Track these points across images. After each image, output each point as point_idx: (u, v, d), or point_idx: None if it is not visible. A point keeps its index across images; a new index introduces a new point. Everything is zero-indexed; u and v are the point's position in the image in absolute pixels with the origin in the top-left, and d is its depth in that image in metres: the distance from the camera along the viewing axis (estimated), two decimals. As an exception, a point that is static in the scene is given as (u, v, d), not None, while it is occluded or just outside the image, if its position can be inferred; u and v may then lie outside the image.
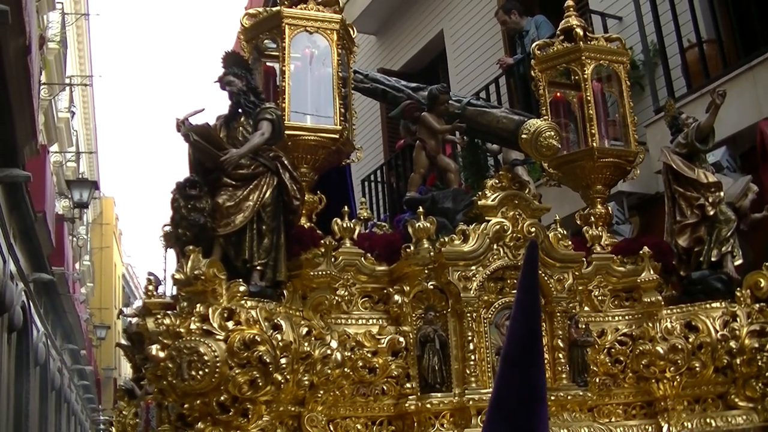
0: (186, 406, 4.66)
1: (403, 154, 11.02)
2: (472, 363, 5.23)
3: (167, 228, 5.32)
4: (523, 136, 5.78)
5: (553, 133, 5.74)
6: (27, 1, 11.07)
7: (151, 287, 6.61)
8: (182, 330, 4.64)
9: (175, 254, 5.21)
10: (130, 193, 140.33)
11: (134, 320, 7.41)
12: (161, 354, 4.64)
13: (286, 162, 5.15)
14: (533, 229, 5.50)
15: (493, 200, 5.50)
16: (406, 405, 5.22)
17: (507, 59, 10.88)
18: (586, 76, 6.62)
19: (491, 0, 12.48)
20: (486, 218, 5.47)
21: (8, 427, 15.97)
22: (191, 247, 4.71)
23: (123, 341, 9.14)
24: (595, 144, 6.50)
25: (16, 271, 14.99)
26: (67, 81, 25.02)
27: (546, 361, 5.45)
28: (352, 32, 6.10)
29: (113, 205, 43.97)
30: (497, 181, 5.60)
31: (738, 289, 6.01)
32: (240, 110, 5.26)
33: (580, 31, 6.71)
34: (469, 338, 5.26)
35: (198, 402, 4.61)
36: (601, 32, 9.50)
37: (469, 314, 5.28)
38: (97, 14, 49.55)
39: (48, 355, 20.97)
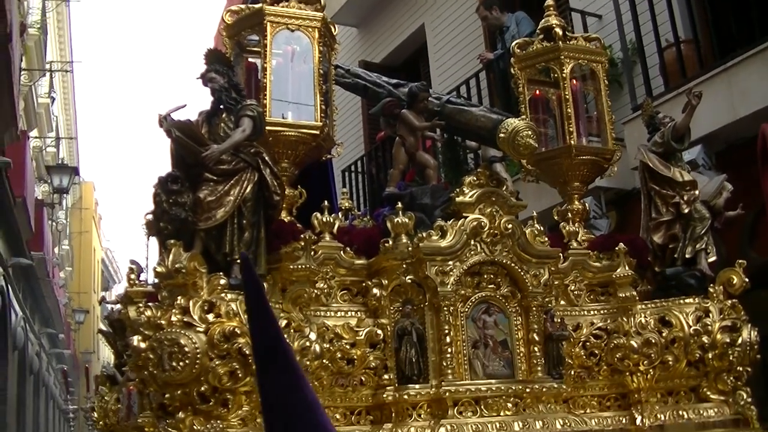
0: (167, 396, 4.74)
1: (383, 146, 11.08)
2: (448, 355, 5.29)
3: (149, 217, 5.37)
4: (501, 134, 5.83)
5: (530, 132, 5.80)
6: (8, -13, 11.05)
7: (133, 276, 6.64)
8: (163, 322, 4.72)
9: (157, 244, 5.26)
10: (110, 177, 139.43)
11: (116, 307, 7.45)
12: (142, 345, 4.72)
13: (266, 158, 5.21)
14: (510, 226, 5.55)
15: (470, 197, 5.56)
16: (384, 396, 5.28)
17: (487, 54, 10.97)
18: (564, 74, 6.68)
19: (473, -5, 12.53)
20: (464, 214, 5.53)
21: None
22: (172, 241, 4.79)
23: (104, 327, 9.13)
24: (572, 142, 6.58)
25: (-5, 255, 15.01)
26: (48, 67, 24.87)
27: (521, 354, 5.56)
28: (333, 29, 6.15)
29: (93, 190, 43.76)
30: (475, 179, 5.65)
31: (711, 285, 6.11)
32: (221, 107, 5.32)
33: (559, 30, 6.77)
34: (446, 331, 5.32)
35: (179, 392, 4.69)
36: (581, 30, 9.65)
37: (446, 308, 5.34)
38: (78, 0, 48.98)
39: (26, 339, 20.96)
